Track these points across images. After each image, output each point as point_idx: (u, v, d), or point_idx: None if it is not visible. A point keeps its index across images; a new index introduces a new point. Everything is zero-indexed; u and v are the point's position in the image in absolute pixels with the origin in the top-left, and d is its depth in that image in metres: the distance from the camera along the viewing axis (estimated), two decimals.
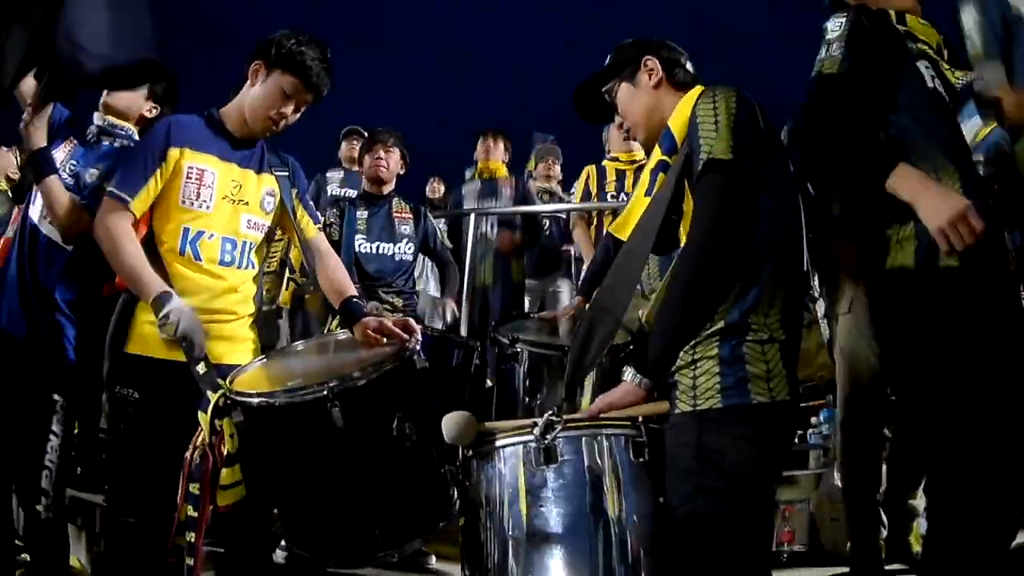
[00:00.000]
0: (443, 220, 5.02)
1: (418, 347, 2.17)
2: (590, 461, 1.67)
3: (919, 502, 2.96)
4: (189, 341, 2.16)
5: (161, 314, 2.15)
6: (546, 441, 1.64)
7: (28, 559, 2.81)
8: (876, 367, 2.63)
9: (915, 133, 2.02)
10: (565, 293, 5.57)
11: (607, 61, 2.11)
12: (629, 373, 1.75)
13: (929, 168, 1.96)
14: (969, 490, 1.88)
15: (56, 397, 2.69)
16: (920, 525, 3.04)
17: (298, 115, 2.43)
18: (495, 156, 5.37)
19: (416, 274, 3.98)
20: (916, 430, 2.77)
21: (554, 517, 1.64)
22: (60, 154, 2.67)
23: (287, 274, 3.90)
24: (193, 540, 2.01)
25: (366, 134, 4.39)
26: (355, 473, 1.95)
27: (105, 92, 2.78)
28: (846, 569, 2.93)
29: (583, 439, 1.67)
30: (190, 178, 2.32)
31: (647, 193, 1.91)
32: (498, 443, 1.72)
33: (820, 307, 3.42)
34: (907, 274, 1.95)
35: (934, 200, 1.87)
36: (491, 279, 5.04)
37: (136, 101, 2.82)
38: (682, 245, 1.78)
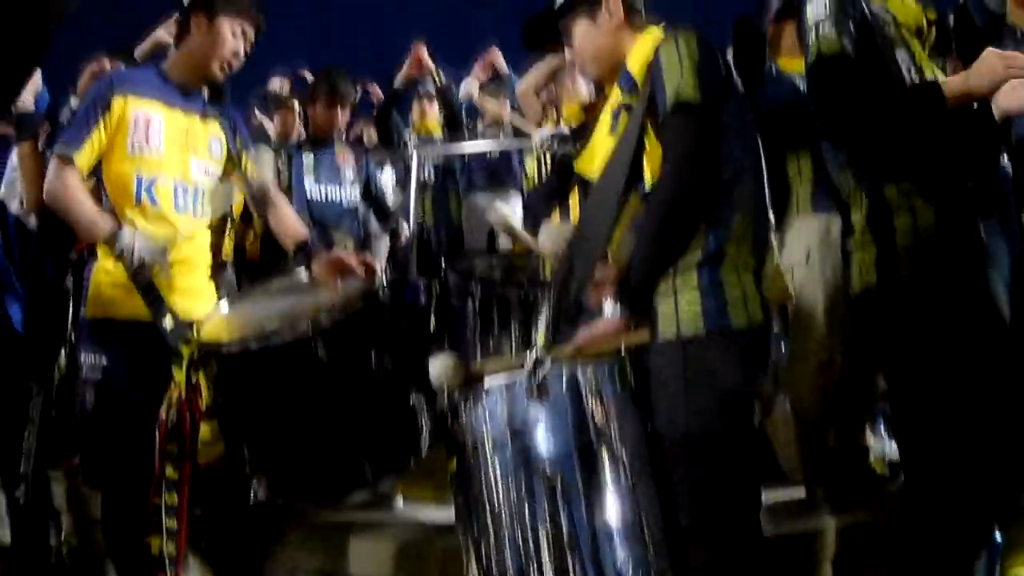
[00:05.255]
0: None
1: (383, 282, 2.16)
2: (580, 393, 1.69)
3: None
4: (149, 265, 2.12)
5: (117, 250, 2.12)
6: (537, 377, 1.65)
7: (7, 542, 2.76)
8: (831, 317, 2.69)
9: None
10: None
11: None
12: (608, 306, 1.78)
13: None
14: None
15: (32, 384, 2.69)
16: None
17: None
18: (430, 117, 5.38)
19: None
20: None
21: (548, 452, 1.66)
22: None
23: (228, 225, 3.76)
24: (176, 503, 1.95)
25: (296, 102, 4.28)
26: (340, 410, 1.92)
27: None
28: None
29: (570, 372, 1.69)
30: (137, 125, 2.28)
31: (610, 132, 1.93)
32: (488, 383, 1.72)
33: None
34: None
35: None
36: (431, 220, 5.06)
37: None
38: (649, 183, 1.82)
